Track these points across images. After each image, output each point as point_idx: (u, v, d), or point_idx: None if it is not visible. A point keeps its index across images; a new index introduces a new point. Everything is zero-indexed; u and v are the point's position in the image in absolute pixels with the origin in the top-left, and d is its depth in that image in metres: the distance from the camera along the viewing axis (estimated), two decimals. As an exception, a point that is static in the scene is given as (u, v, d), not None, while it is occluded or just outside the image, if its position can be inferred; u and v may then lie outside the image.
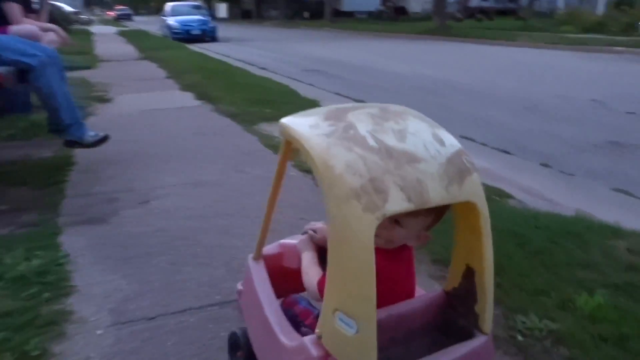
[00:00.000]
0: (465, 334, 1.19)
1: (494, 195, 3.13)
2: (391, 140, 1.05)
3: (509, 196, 3.19)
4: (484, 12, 28.77)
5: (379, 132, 1.06)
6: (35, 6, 4.08)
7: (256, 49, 15.59)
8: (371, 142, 1.03)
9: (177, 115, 5.62)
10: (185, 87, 7.41)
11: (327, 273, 1.04)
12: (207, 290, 2.10)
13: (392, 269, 1.20)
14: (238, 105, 5.99)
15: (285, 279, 1.53)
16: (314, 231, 1.47)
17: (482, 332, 1.19)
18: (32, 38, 3.47)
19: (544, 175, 3.84)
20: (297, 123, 1.15)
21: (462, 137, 4.68)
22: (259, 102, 6.15)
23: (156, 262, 2.34)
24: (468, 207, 1.11)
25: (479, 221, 1.12)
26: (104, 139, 3.56)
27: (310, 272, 1.34)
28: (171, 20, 19.37)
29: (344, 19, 34.93)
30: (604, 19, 16.69)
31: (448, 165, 1.06)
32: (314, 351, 1.08)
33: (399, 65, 11.02)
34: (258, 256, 1.57)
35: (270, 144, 4.37)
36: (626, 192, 3.41)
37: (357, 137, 1.04)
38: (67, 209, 2.94)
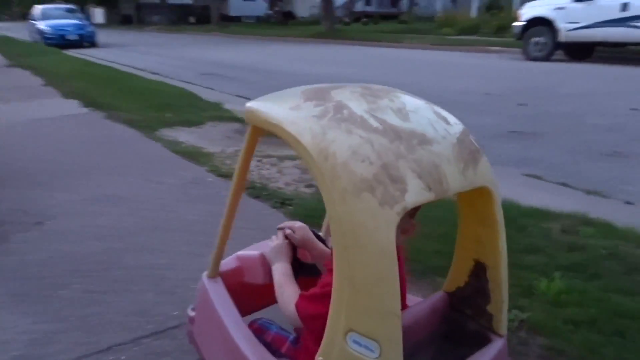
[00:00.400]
0: (477, 339, 1.06)
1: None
2: (394, 120, 0.89)
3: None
4: (369, 16, 29.95)
5: (377, 110, 0.90)
6: None
7: (143, 54, 14.66)
8: (373, 122, 0.87)
9: (63, 124, 5.00)
10: (68, 95, 6.66)
11: (334, 286, 0.84)
12: (136, 320, 1.79)
13: None
14: (133, 111, 5.49)
15: (246, 296, 1.30)
16: (292, 231, 1.25)
17: (497, 334, 1.06)
18: None
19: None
20: (271, 106, 0.98)
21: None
22: (157, 107, 5.70)
23: (65, 292, 1.96)
24: (479, 194, 0.97)
25: (492, 209, 0.99)
26: None
27: (285, 290, 1.12)
28: (42, 25, 17.52)
29: (232, 24, 34.40)
30: (478, 21, 18.14)
31: (460, 146, 0.93)
32: None
33: (296, 66, 10.95)
34: (215, 273, 1.32)
35: (178, 149, 4.02)
36: (535, 176, 3.58)
37: (354, 118, 0.87)
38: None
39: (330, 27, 22.36)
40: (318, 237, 1.29)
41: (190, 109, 5.61)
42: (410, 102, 0.98)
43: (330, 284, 0.89)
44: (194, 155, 3.85)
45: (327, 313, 0.89)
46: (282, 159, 3.82)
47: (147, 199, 2.98)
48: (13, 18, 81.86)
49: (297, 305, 1.04)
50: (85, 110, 5.69)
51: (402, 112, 0.92)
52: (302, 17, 34.14)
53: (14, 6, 73.31)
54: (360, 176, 0.80)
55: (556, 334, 1.58)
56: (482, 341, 1.05)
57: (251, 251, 1.38)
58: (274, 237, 1.29)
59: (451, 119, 0.99)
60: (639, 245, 2.18)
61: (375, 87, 1.02)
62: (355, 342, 0.82)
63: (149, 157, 3.90)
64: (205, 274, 1.33)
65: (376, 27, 25.46)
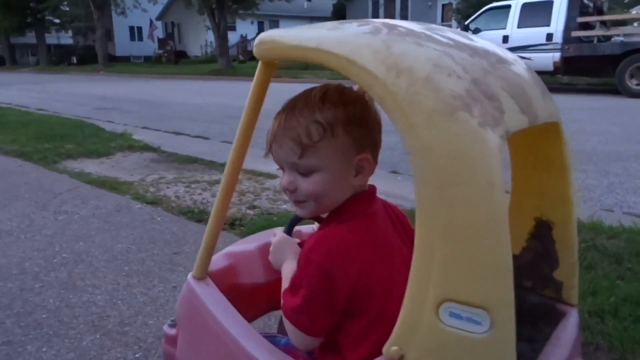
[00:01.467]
0: (541, 314, 0.90)
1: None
2: (461, 39, 0.74)
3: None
4: (262, 55, 30.37)
5: (436, 30, 0.74)
6: None
7: (23, 92, 13.32)
8: (440, 38, 0.70)
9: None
10: (-63, 131, 5.71)
11: (418, 244, 0.63)
12: (81, 372, 1.37)
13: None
14: (24, 143, 4.80)
15: (242, 302, 0.99)
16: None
17: (569, 304, 0.90)
18: None
19: (399, 180, 3.85)
20: (296, 33, 0.77)
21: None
22: (53, 138, 5.05)
23: (-30, 349, 1.47)
24: (545, 133, 0.82)
25: (562, 150, 0.84)
26: None
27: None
28: None
29: (119, 64, 33.00)
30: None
31: (533, 75, 0.79)
32: None
33: (194, 98, 10.58)
34: (203, 273, 1.00)
35: (89, 180, 3.51)
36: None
37: (417, 33, 0.70)
38: None
39: (226, 64, 22.24)
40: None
41: (94, 139, 5.04)
42: (462, 32, 0.82)
43: (308, 262, 0.78)
44: (110, 184, 3.37)
45: (300, 305, 0.78)
46: (212, 183, 3.49)
47: (60, 231, 2.48)
48: None
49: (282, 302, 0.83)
50: (-39, 145, 4.87)
51: (463, 35, 0.77)
52: (195, 56, 33.70)
53: None
54: (450, 92, 0.62)
55: (587, 327, 1.45)
56: (550, 315, 0.88)
57: (244, 244, 1.14)
58: (276, 229, 1.03)
59: (508, 51, 0.84)
60: (610, 237, 2.18)
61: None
62: (454, 315, 0.61)
63: (52, 188, 3.34)
64: (190, 275, 1.01)
65: (272, 64, 25.82)
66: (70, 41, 42.99)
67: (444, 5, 23.48)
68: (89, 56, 35.99)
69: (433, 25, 0.78)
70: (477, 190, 0.60)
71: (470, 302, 0.61)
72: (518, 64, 0.78)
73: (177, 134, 5.83)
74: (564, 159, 0.85)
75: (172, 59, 31.75)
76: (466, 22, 10.76)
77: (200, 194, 3.24)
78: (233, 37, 29.21)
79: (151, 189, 3.28)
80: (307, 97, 0.82)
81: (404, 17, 24.59)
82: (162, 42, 35.06)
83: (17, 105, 9.08)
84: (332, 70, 0.70)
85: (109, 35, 35.11)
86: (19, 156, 4.32)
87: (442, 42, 0.70)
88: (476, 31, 10.42)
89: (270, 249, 0.97)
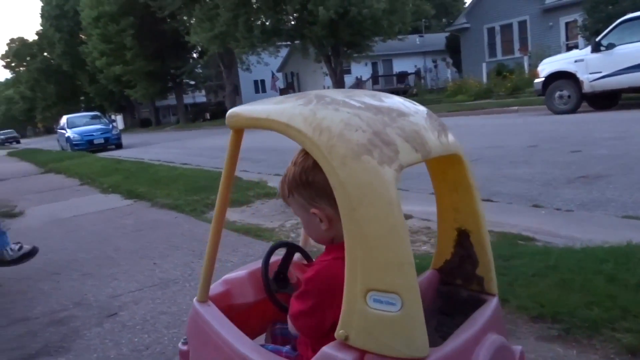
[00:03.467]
0: (472, 303, 1.10)
1: (519, 240, 2.80)
2: (371, 101, 0.99)
3: (531, 239, 2.87)
4: (378, 94, 30.81)
5: (354, 96, 1.00)
6: None
7: (167, 149, 14.96)
8: (354, 102, 0.97)
9: (109, 217, 4.84)
10: (106, 190, 6.61)
11: (347, 252, 0.86)
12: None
13: None
14: (176, 197, 5.34)
15: (238, 321, 1.24)
16: None
17: (490, 294, 1.12)
18: None
19: (543, 215, 3.61)
20: (253, 107, 1.07)
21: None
22: (199, 190, 5.55)
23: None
24: (451, 162, 1.08)
25: (466, 174, 1.07)
26: (31, 253, 2.72)
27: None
28: (70, 133, 18.21)
29: (246, 115, 35.50)
30: (490, 85, 18.40)
31: (430, 118, 1.04)
32: (347, 356, 0.86)
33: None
34: (205, 296, 1.26)
35: (235, 228, 3.79)
36: (632, 217, 3.25)
37: (337, 101, 0.97)
38: (4, 344, 2.11)
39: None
40: (298, 248, 1.35)
41: (233, 189, 5.44)
42: (378, 93, 1.07)
43: (308, 281, 1.02)
44: (254, 231, 3.60)
45: (306, 310, 1.01)
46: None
47: (218, 278, 2.69)
48: (37, 134, 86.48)
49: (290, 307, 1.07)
50: (128, 201, 5.57)
51: (375, 97, 1.03)
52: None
53: (37, 121, 77.56)
54: (356, 142, 0.88)
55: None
56: (477, 304, 1.09)
57: (238, 272, 1.42)
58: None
59: (412, 102, 1.08)
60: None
61: (343, 89, 1.16)
62: (376, 300, 0.84)
63: (204, 237, 3.65)
64: (195, 299, 1.27)
65: (388, 103, 26.01)
66: (203, 99, 47.55)
67: (567, 24, 22.02)
68: (219, 111, 39.42)
69: (354, 92, 1.04)
70: (380, 208, 0.84)
71: (386, 289, 0.83)
72: (418, 115, 1.01)
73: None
74: (468, 181, 1.08)
75: (292, 106, 33.56)
76: (597, 39, 9.95)
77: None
78: (349, 80, 30.17)
79: (292, 235, 3.44)
80: (289, 166, 1.12)
81: (522, 41, 23.46)
82: (283, 92, 37.35)
83: (164, 161, 10.19)
84: (278, 132, 0.97)
85: (236, 90, 38.21)
86: (172, 208, 4.81)
87: (355, 106, 0.95)
88: (610, 47, 9.61)
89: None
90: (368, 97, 1.01)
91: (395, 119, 0.95)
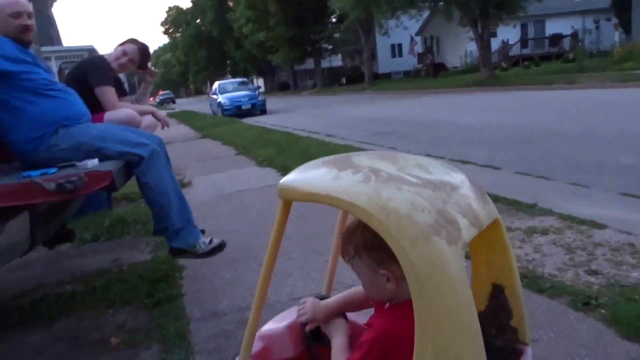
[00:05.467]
0: (506, 352, 1.17)
1: None
2: (423, 174, 1.04)
3: None
4: (526, 59, 28.22)
5: (405, 168, 1.04)
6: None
7: (308, 117, 15.27)
8: (410, 178, 1.01)
9: (271, 195, 4.95)
10: (261, 163, 6.86)
11: (417, 325, 0.92)
12: None
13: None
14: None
15: None
16: (310, 310, 1.36)
17: (524, 343, 1.18)
18: (131, 124, 2.91)
19: None
20: (309, 180, 1.09)
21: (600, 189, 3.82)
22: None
23: None
24: (491, 225, 1.10)
25: (503, 235, 1.15)
26: (219, 247, 2.80)
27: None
28: (221, 98, 19.54)
29: (382, 81, 35.11)
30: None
31: (473, 187, 1.09)
32: None
33: (463, 116, 10.32)
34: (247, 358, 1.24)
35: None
36: None
37: (394, 177, 1.01)
38: (202, 341, 2.20)
39: (489, 73, 21.38)
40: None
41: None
42: (416, 159, 1.12)
43: (367, 343, 1.08)
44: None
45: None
46: (528, 232, 3.20)
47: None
48: (188, 94, 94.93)
49: None
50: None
51: (422, 167, 1.07)
52: (454, 67, 33.49)
53: (189, 84, 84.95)
54: (425, 223, 0.93)
55: None
56: (512, 353, 1.16)
57: (274, 325, 1.44)
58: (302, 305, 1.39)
59: (451, 167, 1.15)
60: None
61: (379, 152, 1.17)
62: None
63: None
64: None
65: (539, 69, 23.76)
66: (340, 63, 47.85)
67: None
68: (355, 76, 39.42)
69: (398, 159, 1.09)
70: (449, 285, 0.91)
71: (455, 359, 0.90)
72: (464, 186, 1.07)
73: (463, 162, 5.70)
74: (504, 242, 1.16)
75: (430, 72, 32.27)
76: None
77: (520, 247, 2.99)
78: (494, 44, 28.02)
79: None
80: (350, 226, 1.16)
81: None
82: (421, 56, 36.02)
83: (309, 131, 10.37)
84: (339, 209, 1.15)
85: (373, 55, 37.77)
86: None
87: (413, 182, 1.00)
88: None
89: (326, 322, 1.34)
90: (417, 169, 1.05)
91: (450, 195, 1.01)
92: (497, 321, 1.21)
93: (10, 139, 2.44)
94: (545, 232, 3.18)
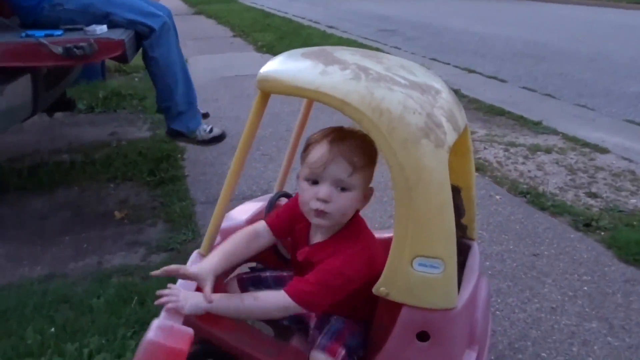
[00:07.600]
0: (458, 247, 1.10)
1: None
2: (409, 76, 1.02)
3: None
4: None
5: (392, 69, 1.01)
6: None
7: (310, 5, 14.35)
8: (399, 79, 0.99)
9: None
10: (261, 48, 6.58)
11: (396, 224, 0.95)
12: None
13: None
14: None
15: None
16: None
17: (472, 239, 1.27)
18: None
19: None
20: (291, 73, 1.01)
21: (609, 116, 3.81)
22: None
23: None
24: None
25: (468, 142, 1.17)
26: (219, 138, 2.71)
27: (263, 297, 1.06)
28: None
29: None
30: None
31: (451, 93, 1.10)
32: None
33: (474, 25, 9.88)
34: (208, 249, 1.22)
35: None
36: None
37: (384, 77, 0.98)
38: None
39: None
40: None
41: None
42: (400, 60, 1.10)
43: (328, 271, 1.02)
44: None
45: (334, 290, 1.03)
46: (532, 149, 3.21)
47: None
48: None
49: (292, 293, 1.02)
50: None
51: (406, 69, 1.04)
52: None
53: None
54: (416, 126, 0.93)
55: None
56: (462, 247, 1.17)
57: (232, 221, 1.38)
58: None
59: (430, 71, 1.16)
60: None
61: (360, 49, 1.16)
62: (421, 264, 0.95)
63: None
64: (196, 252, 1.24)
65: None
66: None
67: None
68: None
69: (384, 58, 1.07)
70: (435, 188, 0.93)
71: (432, 255, 0.95)
72: (445, 90, 1.07)
73: (469, 71, 5.56)
74: (468, 146, 1.17)
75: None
76: None
77: (523, 163, 3.01)
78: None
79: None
80: (353, 133, 1.07)
81: None
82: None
83: (311, 20, 9.87)
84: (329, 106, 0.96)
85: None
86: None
87: (402, 83, 0.97)
88: None
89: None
90: (403, 71, 1.02)
91: (436, 98, 1.00)
92: None
93: (9, -8, 2.23)
94: (548, 150, 3.19)
